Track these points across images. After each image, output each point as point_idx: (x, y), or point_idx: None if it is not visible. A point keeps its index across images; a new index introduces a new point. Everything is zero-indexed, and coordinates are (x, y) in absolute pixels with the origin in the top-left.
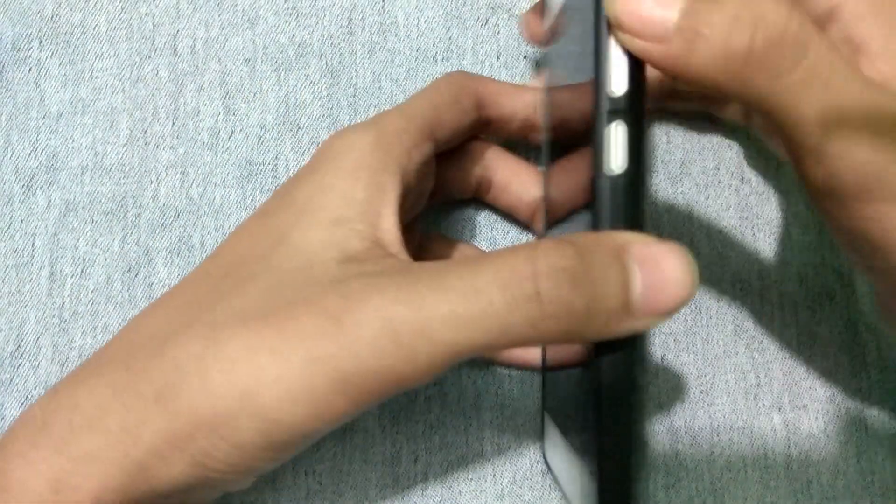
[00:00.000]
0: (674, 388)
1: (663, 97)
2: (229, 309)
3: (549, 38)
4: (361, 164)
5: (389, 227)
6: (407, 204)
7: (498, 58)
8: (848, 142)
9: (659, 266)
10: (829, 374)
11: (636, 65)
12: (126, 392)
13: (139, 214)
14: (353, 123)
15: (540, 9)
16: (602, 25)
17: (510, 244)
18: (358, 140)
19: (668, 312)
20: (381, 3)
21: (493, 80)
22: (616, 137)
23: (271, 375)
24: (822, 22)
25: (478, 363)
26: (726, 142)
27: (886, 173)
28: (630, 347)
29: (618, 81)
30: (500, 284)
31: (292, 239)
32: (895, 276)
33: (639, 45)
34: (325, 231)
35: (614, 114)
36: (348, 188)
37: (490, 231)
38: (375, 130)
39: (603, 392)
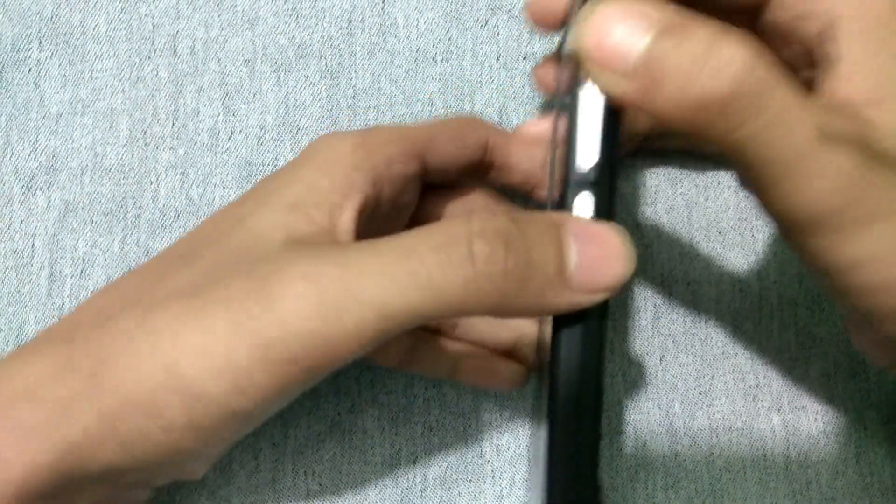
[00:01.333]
0: (673, 389)
1: (652, 139)
2: (170, 286)
3: (562, 89)
4: (335, 160)
5: (347, 221)
6: (378, 213)
7: (497, 59)
8: (798, 185)
9: (595, 240)
10: (828, 375)
11: (609, 138)
12: (64, 366)
13: (139, 215)
14: (351, 125)
15: (555, 59)
16: (577, 93)
17: None
18: (340, 141)
19: (607, 288)
20: (381, 5)
21: (507, 132)
22: (582, 212)
23: (194, 345)
24: (820, 37)
25: None
26: None
27: (831, 210)
28: (587, 354)
29: (587, 154)
30: (433, 245)
31: (247, 222)
32: (850, 297)
33: (606, 79)
34: (279, 214)
35: (582, 186)
36: (315, 178)
37: None
38: (360, 135)
39: (556, 391)
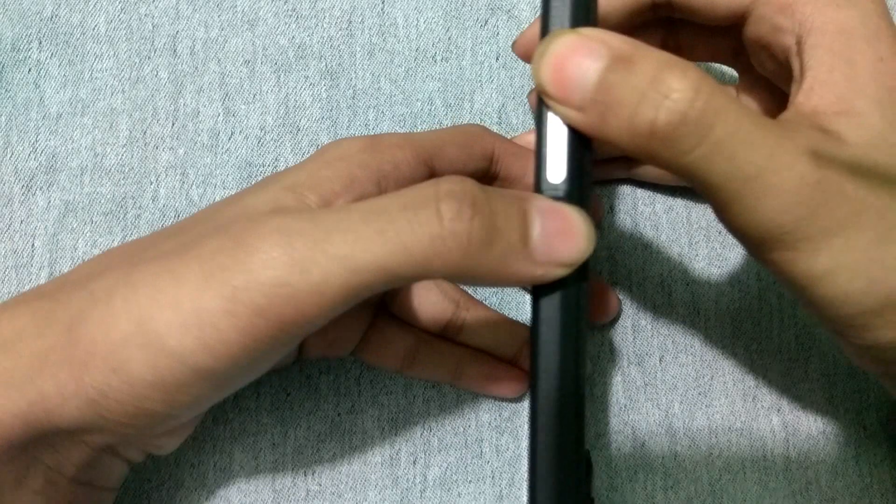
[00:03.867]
0: (672, 390)
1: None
2: (155, 251)
3: None
4: (342, 156)
5: None
6: None
7: (497, 58)
8: (751, 205)
9: (558, 216)
10: (827, 375)
11: (576, 153)
12: (44, 319)
13: (139, 215)
14: (350, 125)
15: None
16: (543, 113)
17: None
18: (349, 141)
19: (566, 263)
20: (381, 5)
21: (514, 142)
22: None
23: (165, 299)
24: (792, 50)
25: None
26: None
27: (785, 228)
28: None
29: (556, 169)
30: (401, 204)
31: (242, 200)
32: (815, 308)
33: (561, 111)
34: (274, 192)
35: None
36: (317, 168)
37: None
38: (370, 138)
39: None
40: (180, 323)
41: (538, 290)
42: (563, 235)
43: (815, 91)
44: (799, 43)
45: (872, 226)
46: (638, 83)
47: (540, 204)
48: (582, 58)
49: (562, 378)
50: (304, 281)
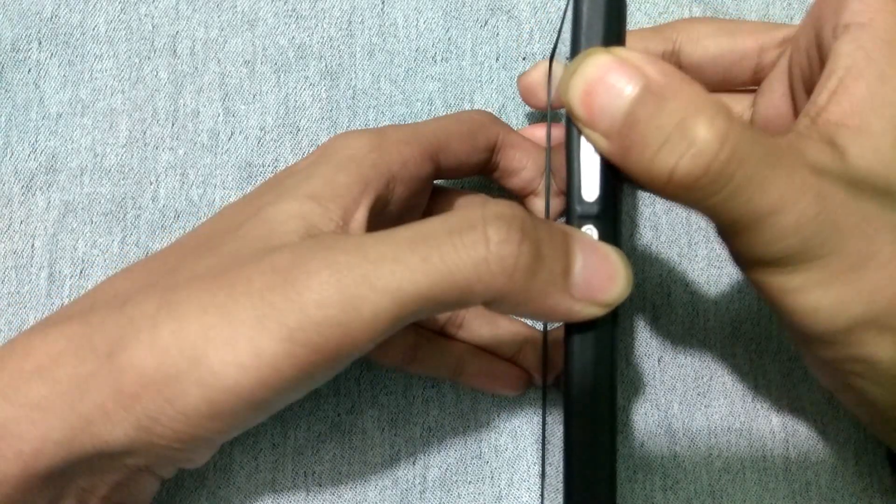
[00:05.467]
0: (671, 390)
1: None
2: (189, 272)
3: (554, 105)
4: (353, 158)
5: (360, 218)
6: (389, 212)
7: (497, 59)
8: (754, 236)
9: (600, 255)
10: None
11: (610, 170)
12: (80, 344)
13: (139, 216)
14: (350, 125)
15: (544, 75)
16: (573, 129)
17: None
18: (357, 139)
19: (604, 303)
20: (381, 5)
21: (517, 132)
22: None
23: (220, 337)
24: (817, 65)
25: None
26: None
27: (778, 255)
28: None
29: (590, 186)
30: (447, 228)
31: (265, 212)
32: (788, 318)
33: (588, 134)
34: (297, 203)
35: (586, 218)
36: (332, 174)
37: None
38: (376, 135)
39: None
40: (237, 363)
41: (571, 329)
42: (603, 274)
43: (832, 99)
44: (835, 34)
45: (856, 251)
46: (664, 125)
47: (583, 239)
48: (614, 82)
49: (594, 418)
50: (356, 319)
